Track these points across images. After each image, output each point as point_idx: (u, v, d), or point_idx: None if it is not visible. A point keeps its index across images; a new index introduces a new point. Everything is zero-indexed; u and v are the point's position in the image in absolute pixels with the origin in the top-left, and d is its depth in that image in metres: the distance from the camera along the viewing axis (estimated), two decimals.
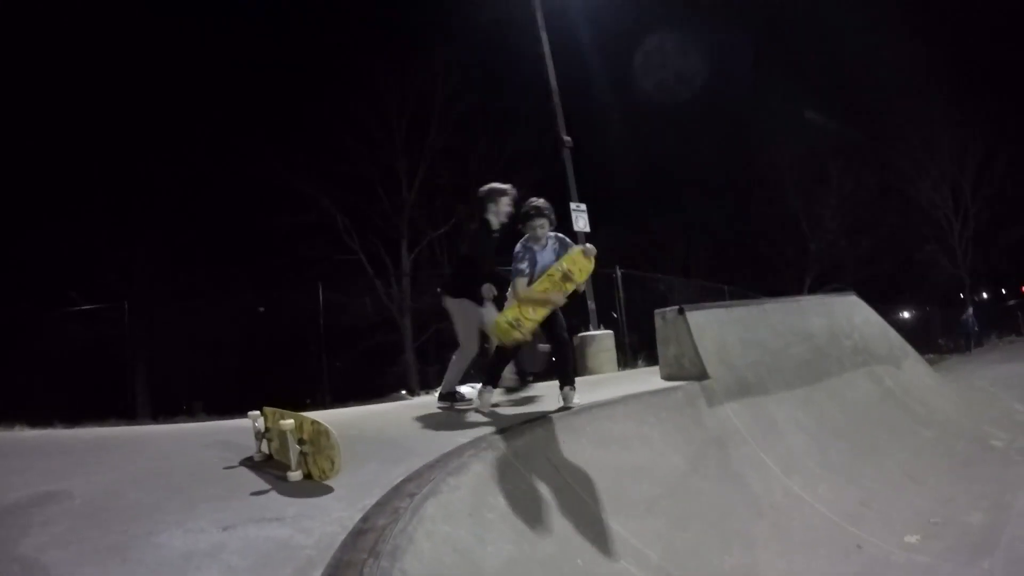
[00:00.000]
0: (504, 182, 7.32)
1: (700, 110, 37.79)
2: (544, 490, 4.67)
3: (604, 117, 28.89)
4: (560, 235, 6.61)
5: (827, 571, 5.27)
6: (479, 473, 4.43)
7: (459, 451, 4.77)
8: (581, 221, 14.35)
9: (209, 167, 26.81)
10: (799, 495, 6.43)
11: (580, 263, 6.34)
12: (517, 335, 6.11)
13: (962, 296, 38.16)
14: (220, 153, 26.69)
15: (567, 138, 14.93)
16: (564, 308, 6.49)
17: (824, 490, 6.64)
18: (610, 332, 14.04)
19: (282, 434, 4.58)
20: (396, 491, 3.96)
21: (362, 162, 26.83)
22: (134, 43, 27.56)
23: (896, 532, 5.98)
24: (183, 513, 3.77)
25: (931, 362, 15.62)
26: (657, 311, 8.64)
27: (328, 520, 3.57)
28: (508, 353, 6.99)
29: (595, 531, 4.55)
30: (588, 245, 6.48)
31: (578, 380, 6.85)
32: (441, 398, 7.28)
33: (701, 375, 7.68)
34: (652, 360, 9.15)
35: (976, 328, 30.37)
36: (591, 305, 14.12)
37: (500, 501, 4.23)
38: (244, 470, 4.84)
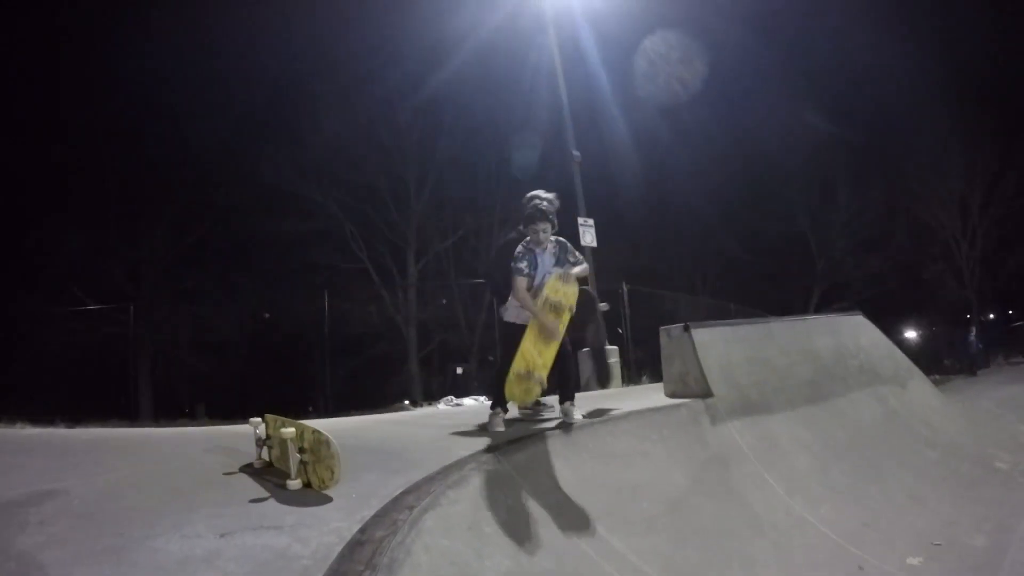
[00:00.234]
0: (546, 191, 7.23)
1: (707, 125, 37.76)
2: (544, 505, 4.64)
3: (610, 132, 28.83)
4: (561, 240, 6.45)
5: None
6: (479, 487, 4.41)
7: (460, 464, 4.75)
8: (588, 236, 14.37)
9: (218, 171, 26.92)
10: (801, 515, 6.39)
11: (562, 290, 6.14)
12: (536, 388, 5.94)
13: (968, 317, 38.03)
14: (229, 157, 26.82)
15: (576, 153, 14.96)
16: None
17: (826, 510, 6.61)
18: (615, 348, 14.04)
19: (283, 442, 4.56)
20: (395, 503, 3.94)
21: (371, 170, 26.87)
22: (146, 44, 27.74)
23: (898, 554, 5.95)
24: (181, 517, 3.75)
25: (936, 383, 15.54)
26: (662, 328, 8.60)
27: (326, 530, 3.55)
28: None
29: (594, 547, 4.52)
30: (564, 270, 6.23)
31: (582, 396, 6.82)
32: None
33: (705, 393, 7.64)
34: (657, 376, 9.12)
35: (980, 348, 30.17)
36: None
37: (500, 515, 4.21)
38: (244, 476, 4.83)
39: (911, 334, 40.63)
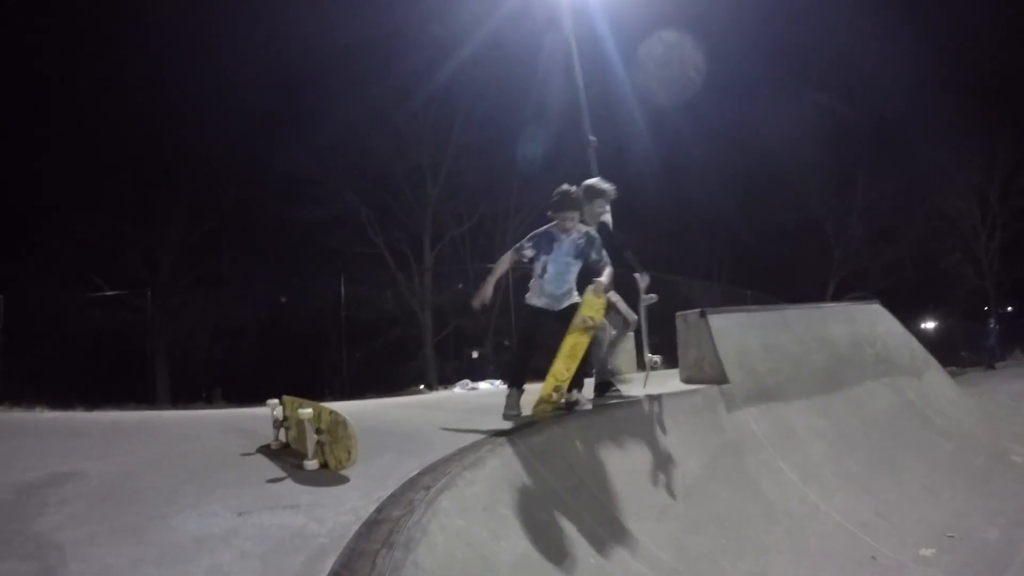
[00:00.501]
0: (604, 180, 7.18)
1: (724, 112, 37.50)
2: (559, 488, 4.66)
3: (626, 120, 28.65)
4: (592, 233, 6.31)
5: None
6: (495, 468, 4.43)
7: (476, 446, 4.77)
8: (606, 220, 14.31)
9: (234, 158, 26.98)
10: (815, 503, 6.39)
11: (595, 305, 6.08)
12: (555, 396, 5.98)
13: (986, 309, 37.75)
14: (245, 144, 26.86)
15: (592, 138, 14.89)
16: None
17: (840, 500, 6.60)
18: (630, 333, 14.00)
19: (300, 423, 4.60)
20: (411, 483, 3.96)
21: (387, 156, 26.85)
22: (162, 34, 27.77)
23: (911, 545, 5.94)
24: (198, 497, 3.80)
25: (953, 375, 15.48)
26: (679, 313, 8.60)
27: (343, 510, 3.57)
28: (527, 352, 6.59)
29: (608, 531, 4.54)
30: (599, 281, 6.09)
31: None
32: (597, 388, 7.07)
33: (721, 379, 7.64)
34: (672, 362, 9.09)
35: (990, 342, 29.75)
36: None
37: (515, 497, 4.23)
38: (261, 457, 4.87)
39: (928, 325, 40.39)
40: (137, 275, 25.54)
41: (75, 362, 21.30)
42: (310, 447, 4.46)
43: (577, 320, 5.98)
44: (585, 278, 6.22)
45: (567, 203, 6.10)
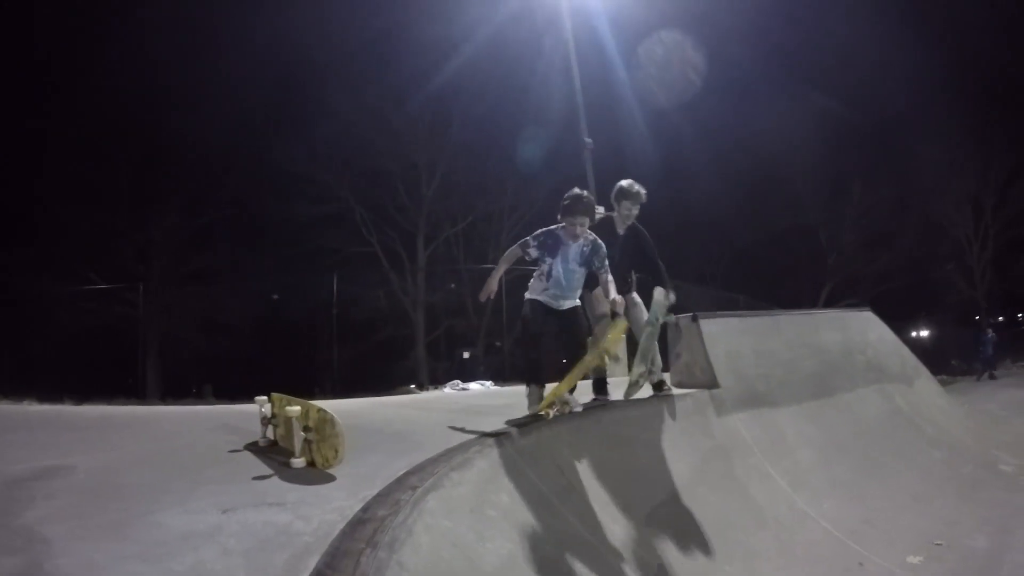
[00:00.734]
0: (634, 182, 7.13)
1: (721, 114, 37.52)
2: (547, 490, 4.65)
3: (623, 124, 28.67)
4: (598, 241, 6.14)
5: None
6: (483, 470, 4.41)
7: (464, 447, 4.76)
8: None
9: (229, 154, 26.96)
10: (803, 510, 6.40)
11: (616, 340, 6.15)
12: (551, 412, 5.95)
13: (977, 319, 37.79)
14: (241, 140, 26.85)
15: (588, 140, 14.89)
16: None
17: (829, 506, 6.61)
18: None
19: (288, 420, 4.59)
20: (398, 483, 3.95)
21: (382, 155, 26.86)
22: (159, 29, 27.71)
23: (899, 552, 5.95)
24: (184, 494, 3.80)
25: (943, 383, 15.51)
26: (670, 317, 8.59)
27: (328, 508, 3.57)
28: (537, 346, 6.34)
29: (596, 534, 4.53)
30: (620, 318, 6.05)
31: (585, 383, 6.78)
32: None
33: (711, 383, 7.63)
34: (663, 366, 9.08)
35: (989, 352, 29.52)
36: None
37: (502, 499, 4.22)
38: (248, 454, 4.86)
39: (919, 333, 40.45)
40: (130, 269, 25.47)
41: (66, 356, 21.25)
42: (297, 445, 4.45)
43: (594, 352, 5.97)
44: (587, 283, 6.27)
45: (579, 208, 5.93)
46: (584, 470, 5.16)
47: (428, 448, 4.74)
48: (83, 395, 11.51)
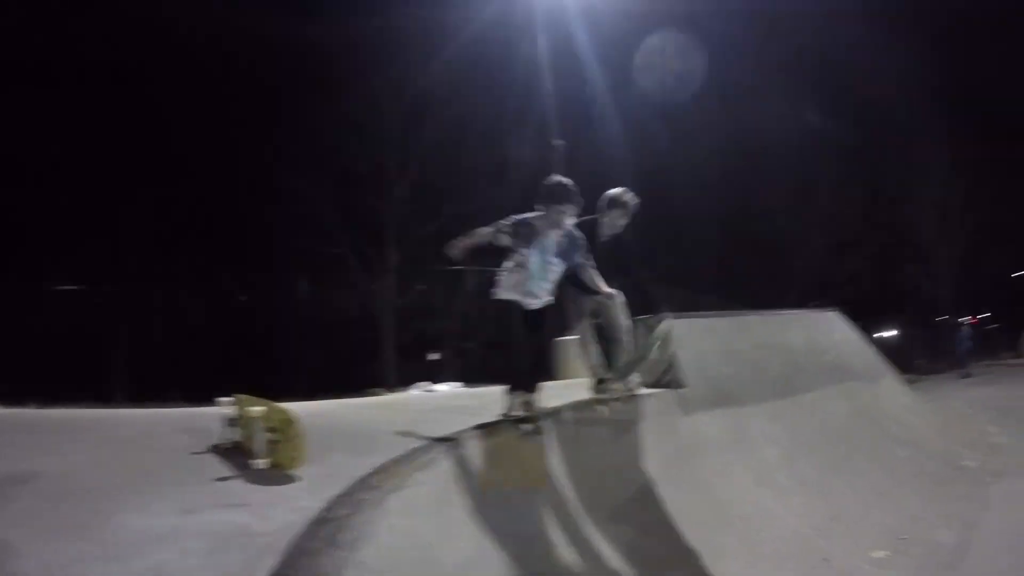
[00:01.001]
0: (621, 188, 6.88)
1: (699, 117, 37.68)
2: (511, 491, 4.65)
3: (599, 127, 28.74)
4: (578, 234, 5.80)
5: None
6: (447, 470, 4.42)
7: (429, 447, 4.76)
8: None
9: (197, 155, 26.68)
10: (769, 507, 6.44)
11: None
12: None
13: (947, 318, 38.23)
14: (209, 141, 26.58)
15: (559, 141, 14.95)
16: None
17: (794, 503, 6.66)
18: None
19: (251, 421, 4.55)
20: (361, 483, 3.95)
21: (353, 156, 26.76)
22: (126, 27, 27.35)
23: (864, 547, 6.00)
24: (146, 496, 3.77)
25: (910, 382, 15.69)
26: (637, 318, 8.61)
27: (290, 508, 3.56)
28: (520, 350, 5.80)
29: (560, 534, 4.54)
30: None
31: (554, 384, 6.78)
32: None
33: (677, 383, 7.65)
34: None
35: (972, 347, 29.44)
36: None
37: (466, 499, 4.23)
38: (211, 456, 4.82)
39: (886, 333, 40.87)
40: (97, 270, 25.21)
41: (30, 358, 20.98)
42: (260, 446, 4.42)
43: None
44: (566, 280, 5.97)
45: (564, 195, 5.50)
46: (548, 471, 5.17)
47: (393, 449, 4.72)
48: (49, 398, 11.37)
